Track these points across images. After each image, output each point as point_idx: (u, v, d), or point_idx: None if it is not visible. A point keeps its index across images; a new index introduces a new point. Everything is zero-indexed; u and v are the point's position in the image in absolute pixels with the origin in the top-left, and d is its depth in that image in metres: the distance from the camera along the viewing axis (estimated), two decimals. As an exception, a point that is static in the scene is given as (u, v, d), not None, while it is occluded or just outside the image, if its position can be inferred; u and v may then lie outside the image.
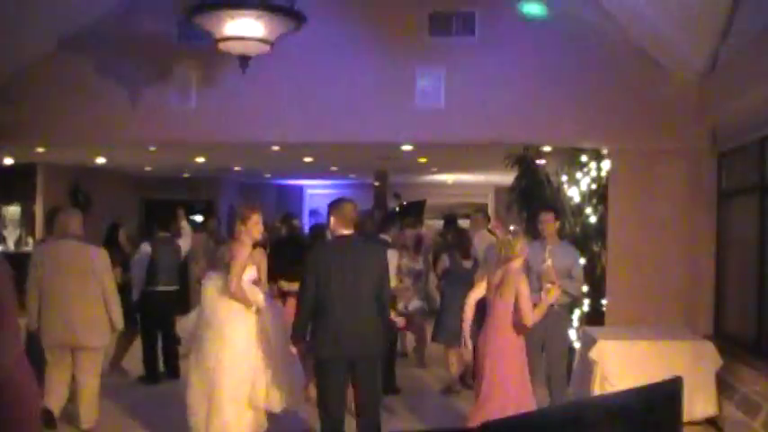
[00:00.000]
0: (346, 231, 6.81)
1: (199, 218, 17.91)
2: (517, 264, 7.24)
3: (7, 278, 4.27)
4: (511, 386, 7.07)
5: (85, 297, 7.71)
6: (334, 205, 6.90)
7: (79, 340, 7.75)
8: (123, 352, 10.98)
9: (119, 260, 10.67)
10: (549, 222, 8.59)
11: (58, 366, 7.84)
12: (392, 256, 10.05)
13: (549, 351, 8.44)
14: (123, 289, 10.36)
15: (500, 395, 7.06)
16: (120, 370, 10.93)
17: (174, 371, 10.64)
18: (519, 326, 7.12)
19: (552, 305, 7.72)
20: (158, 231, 10.98)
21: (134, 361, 10.90)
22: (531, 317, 7.04)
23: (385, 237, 10.28)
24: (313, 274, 6.67)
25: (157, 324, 10.66)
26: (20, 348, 4.40)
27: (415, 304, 10.89)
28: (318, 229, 10.39)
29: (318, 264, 6.72)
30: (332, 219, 6.87)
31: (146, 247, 10.65)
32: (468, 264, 10.00)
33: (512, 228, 9.80)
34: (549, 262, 8.15)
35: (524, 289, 7.08)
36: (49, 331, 7.70)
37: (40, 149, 12.90)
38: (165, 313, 10.63)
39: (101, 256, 7.97)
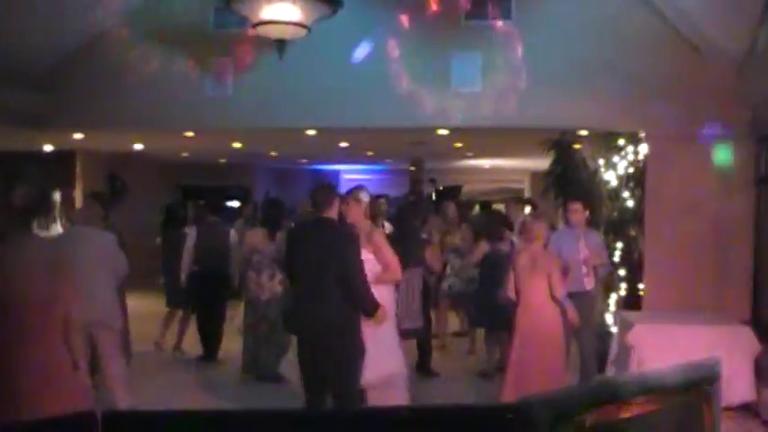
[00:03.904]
0: (321, 214, 6.72)
1: (235, 203, 18.07)
2: (539, 244, 7.81)
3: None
4: (548, 361, 7.41)
5: (95, 278, 7.77)
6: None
7: (94, 317, 7.81)
8: (181, 334, 11.32)
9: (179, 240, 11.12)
10: (577, 212, 8.83)
11: None
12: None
13: (580, 335, 8.60)
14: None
15: (536, 370, 7.37)
16: (180, 351, 11.29)
17: (212, 354, 10.81)
18: (554, 301, 7.67)
19: (588, 290, 8.52)
20: (207, 215, 11.20)
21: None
22: (560, 289, 7.65)
23: (425, 236, 10.25)
24: (288, 256, 6.82)
25: (204, 305, 10.84)
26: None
27: (455, 285, 10.86)
28: None
29: (290, 247, 6.82)
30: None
31: (192, 231, 10.84)
32: (504, 247, 9.96)
33: (532, 211, 9.88)
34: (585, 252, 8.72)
35: (553, 265, 7.73)
36: None
37: (79, 136, 13.02)
38: (209, 295, 10.78)
39: (108, 241, 8.07)
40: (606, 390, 2.40)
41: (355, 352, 6.60)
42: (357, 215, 7.20)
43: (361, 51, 9.87)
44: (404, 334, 8.69)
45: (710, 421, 2.63)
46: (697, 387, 2.60)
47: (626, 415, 2.41)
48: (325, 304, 6.47)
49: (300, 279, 6.62)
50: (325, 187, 6.97)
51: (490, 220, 10.72)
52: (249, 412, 3.00)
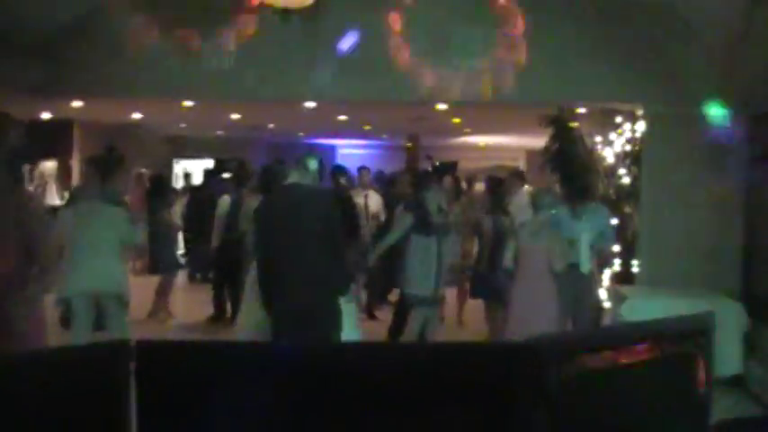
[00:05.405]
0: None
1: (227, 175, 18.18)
2: (546, 216, 7.68)
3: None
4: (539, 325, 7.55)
5: (108, 251, 7.85)
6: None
7: (106, 288, 7.87)
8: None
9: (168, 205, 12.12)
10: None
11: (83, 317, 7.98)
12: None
13: (577, 317, 8.62)
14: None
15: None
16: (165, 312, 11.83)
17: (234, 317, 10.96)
18: (551, 273, 7.85)
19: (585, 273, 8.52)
20: (236, 186, 11.84)
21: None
22: (559, 263, 7.81)
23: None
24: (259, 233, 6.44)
25: (227, 270, 11.30)
26: None
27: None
28: None
29: (260, 223, 6.43)
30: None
31: (226, 200, 11.39)
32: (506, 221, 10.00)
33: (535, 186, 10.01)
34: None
35: (556, 238, 7.91)
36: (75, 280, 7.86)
37: (78, 104, 13.05)
38: (234, 261, 10.98)
39: (121, 216, 8.14)
40: (606, 334, 2.50)
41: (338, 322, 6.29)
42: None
43: (348, 41, 9.89)
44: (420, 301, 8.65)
45: (704, 372, 2.74)
46: (692, 337, 2.71)
47: (625, 360, 2.52)
48: (312, 273, 6.03)
49: (282, 252, 6.12)
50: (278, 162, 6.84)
51: (493, 195, 10.75)
52: (280, 345, 3.09)
